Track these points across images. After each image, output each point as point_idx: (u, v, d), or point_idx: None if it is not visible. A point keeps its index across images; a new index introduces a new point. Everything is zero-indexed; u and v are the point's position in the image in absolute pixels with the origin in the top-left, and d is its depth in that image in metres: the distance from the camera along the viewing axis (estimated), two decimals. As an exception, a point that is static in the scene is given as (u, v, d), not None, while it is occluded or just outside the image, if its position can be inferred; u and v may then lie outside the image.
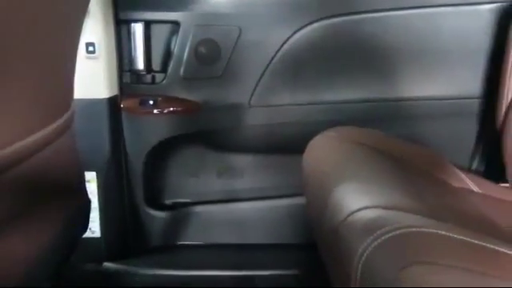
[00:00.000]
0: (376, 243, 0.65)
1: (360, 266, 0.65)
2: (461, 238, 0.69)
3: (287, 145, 1.30)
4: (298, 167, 1.07)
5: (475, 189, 1.09)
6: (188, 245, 1.44)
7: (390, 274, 0.62)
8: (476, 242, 0.69)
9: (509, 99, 1.12)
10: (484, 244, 0.69)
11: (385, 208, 0.73)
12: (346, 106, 1.29)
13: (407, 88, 1.29)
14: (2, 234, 0.73)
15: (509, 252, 0.69)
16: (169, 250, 1.42)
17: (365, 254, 0.65)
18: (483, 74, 1.24)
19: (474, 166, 1.35)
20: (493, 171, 1.27)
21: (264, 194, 1.42)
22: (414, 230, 0.66)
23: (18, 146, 0.76)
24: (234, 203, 1.43)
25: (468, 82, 1.26)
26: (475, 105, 1.27)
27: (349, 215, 0.72)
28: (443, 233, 0.68)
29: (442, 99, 1.29)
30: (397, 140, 1.17)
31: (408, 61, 1.27)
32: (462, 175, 1.13)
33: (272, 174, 1.41)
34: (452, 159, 1.26)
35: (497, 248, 0.69)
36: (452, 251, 0.65)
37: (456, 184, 1.08)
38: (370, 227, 0.67)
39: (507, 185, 1.16)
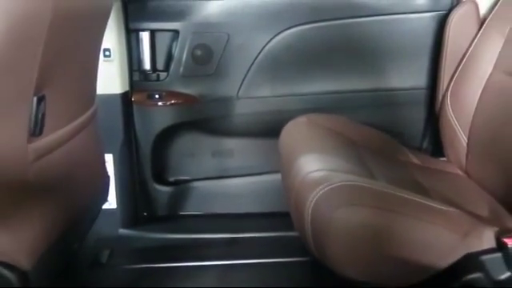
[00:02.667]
0: (321, 193, 0.90)
1: (310, 210, 0.90)
2: (386, 190, 0.94)
3: (269, 129, 1.46)
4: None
5: (416, 162, 1.34)
6: (188, 214, 1.64)
7: (328, 213, 0.88)
8: (399, 193, 0.94)
9: (443, 90, 1.37)
10: (405, 196, 0.94)
11: (331, 170, 0.99)
12: (317, 97, 1.52)
13: (368, 81, 1.52)
14: (47, 201, 0.96)
15: (424, 202, 0.94)
16: (172, 218, 1.63)
17: (313, 201, 0.90)
18: (428, 69, 1.47)
19: (425, 145, 1.58)
20: (439, 149, 1.51)
21: (250, 171, 1.63)
22: (348, 183, 0.92)
23: (60, 132, 0.99)
24: (225, 179, 1.64)
25: (416, 76, 1.49)
26: (422, 95, 1.50)
27: (305, 175, 0.98)
28: (372, 186, 0.94)
29: (396, 90, 1.52)
30: (357, 125, 1.41)
31: (367, 59, 1.50)
32: (407, 152, 1.38)
33: (257, 154, 1.61)
34: (406, 140, 1.51)
35: (414, 198, 0.94)
36: (375, 198, 0.91)
37: (401, 158, 1.34)
38: (318, 182, 0.92)
39: (445, 159, 1.42)
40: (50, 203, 0.97)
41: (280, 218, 1.42)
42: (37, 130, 0.89)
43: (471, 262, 0.91)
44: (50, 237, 0.99)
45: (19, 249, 0.89)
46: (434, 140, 1.54)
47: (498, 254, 0.92)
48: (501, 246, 0.91)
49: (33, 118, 0.87)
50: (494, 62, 1.24)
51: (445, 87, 1.37)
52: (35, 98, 0.87)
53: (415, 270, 0.90)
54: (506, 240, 0.90)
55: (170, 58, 1.49)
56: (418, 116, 1.54)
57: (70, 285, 1.30)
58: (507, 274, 0.92)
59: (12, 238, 0.88)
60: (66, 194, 1.06)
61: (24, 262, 0.90)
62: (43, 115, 0.90)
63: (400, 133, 1.53)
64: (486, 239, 0.92)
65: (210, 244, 1.51)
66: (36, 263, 0.93)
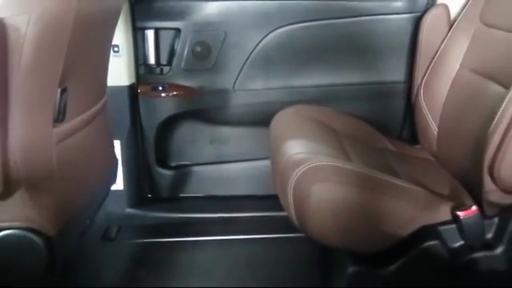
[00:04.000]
0: (301, 172, 1.05)
1: (292, 186, 1.05)
2: (357, 169, 1.10)
3: (262, 119, 1.56)
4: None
5: (393, 148, 1.49)
6: (188, 196, 1.77)
7: (306, 189, 1.03)
8: (368, 173, 1.09)
9: (418, 84, 1.52)
10: (373, 174, 1.09)
11: (312, 153, 1.14)
12: (305, 90, 1.65)
13: (352, 76, 1.65)
14: (67, 178, 1.10)
15: (390, 180, 1.09)
16: (174, 199, 1.75)
17: (295, 179, 1.05)
18: (405, 65, 1.61)
19: (404, 134, 1.72)
20: (417, 138, 1.65)
21: (245, 157, 1.75)
22: (325, 163, 1.07)
23: (78, 119, 1.14)
24: (222, 164, 1.76)
25: (395, 71, 1.63)
26: (401, 88, 1.64)
27: (289, 157, 1.13)
28: (345, 166, 1.09)
29: (377, 84, 1.66)
30: (340, 115, 1.54)
31: (351, 55, 1.64)
32: (385, 140, 1.53)
33: (251, 141, 1.73)
34: (386, 130, 1.64)
35: (381, 177, 1.09)
36: (348, 176, 1.06)
37: (378, 145, 1.49)
38: (299, 163, 1.07)
39: (419, 146, 1.57)
40: (69, 180, 1.12)
41: (271, 200, 1.48)
42: (60, 116, 1.04)
43: (429, 231, 1.07)
44: (70, 209, 1.14)
45: (45, 217, 1.04)
46: (412, 129, 1.67)
47: (453, 226, 1.08)
48: (455, 218, 1.07)
49: (57, 107, 1.02)
50: (460, 59, 1.39)
51: (419, 82, 1.51)
52: (59, 90, 1.02)
53: (380, 238, 1.06)
54: (458, 213, 1.06)
55: (172, 53, 1.61)
56: (397, 107, 1.68)
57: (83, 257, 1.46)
58: (460, 243, 1.09)
59: (39, 208, 1.03)
60: (82, 174, 1.21)
61: (49, 228, 1.05)
62: (65, 104, 1.06)
63: (381, 123, 1.64)
64: (443, 212, 1.08)
65: (207, 222, 1.65)
66: (59, 231, 1.08)
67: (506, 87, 1.07)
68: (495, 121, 1.02)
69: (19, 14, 0.88)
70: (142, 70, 1.63)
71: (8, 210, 1.01)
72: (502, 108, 1.02)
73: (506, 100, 1.02)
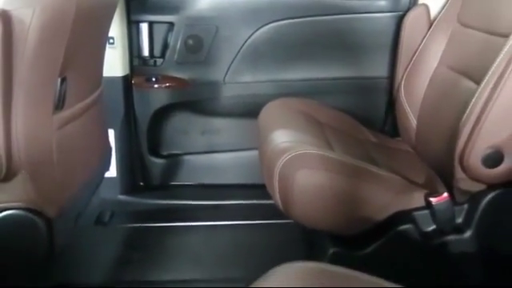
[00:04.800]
0: (286, 159, 1.12)
1: (277, 172, 1.12)
2: (338, 158, 1.17)
3: (251, 111, 1.61)
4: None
5: (374, 140, 1.57)
6: (179, 184, 1.84)
7: (291, 175, 1.11)
8: (348, 161, 1.17)
9: (399, 80, 1.60)
10: (352, 162, 1.17)
11: (296, 142, 1.21)
12: (291, 83, 1.72)
13: (337, 71, 1.73)
14: (66, 162, 1.16)
15: (367, 167, 1.17)
16: (165, 187, 1.82)
17: (280, 165, 1.12)
18: (388, 61, 1.69)
19: (387, 128, 1.79)
20: (397, 131, 1.72)
21: (234, 147, 1.82)
22: (308, 151, 1.14)
23: (76, 108, 1.20)
24: (212, 154, 1.83)
25: (378, 66, 1.70)
26: (384, 83, 1.72)
27: (275, 145, 1.20)
28: (327, 154, 1.16)
29: (361, 79, 1.74)
30: (325, 108, 1.61)
31: (336, 51, 1.71)
32: (368, 132, 1.60)
33: (240, 132, 1.80)
34: (370, 123, 1.72)
35: (359, 164, 1.17)
36: (329, 163, 1.13)
37: (360, 137, 1.56)
38: (285, 150, 1.14)
39: (400, 138, 1.65)
40: (67, 164, 1.18)
41: (258, 188, 1.53)
42: (60, 104, 1.11)
43: (403, 216, 1.15)
44: (67, 192, 1.20)
45: (45, 199, 1.10)
46: (394, 122, 1.73)
47: (426, 211, 1.16)
48: (428, 204, 1.15)
49: (57, 95, 1.09)
50: (438, 57, 1.46)
51: (400, 78, 1.58)
52: (59, 79, 1.08)
53: (359, 222, 1.14)
54: (431, 199, 1.14)
55: (165, 46, 1.68)
56: (380, 102, 1.75)
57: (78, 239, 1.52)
58: (433, 227, 1.17)
59: (39, 190, 1.09)
60: (78, 159, 1.27)
61: (48, 210, 1.11)
62: (65, 93, 1.12)
63: (364, 116, 1.71)
64: (417, 199, 1.16)
65: (197, 209, 1.72)
66: (57, 213, 1.14)
67: (478, 83, 1.15)
68: (466, 114, 1.10)
69: (24, 7, 0.95)
70: (136, 62, 1.69)
71: (10, 192, 1.07)
72: (472, 102, 1.10)
73: (476, 95, 1.10)
